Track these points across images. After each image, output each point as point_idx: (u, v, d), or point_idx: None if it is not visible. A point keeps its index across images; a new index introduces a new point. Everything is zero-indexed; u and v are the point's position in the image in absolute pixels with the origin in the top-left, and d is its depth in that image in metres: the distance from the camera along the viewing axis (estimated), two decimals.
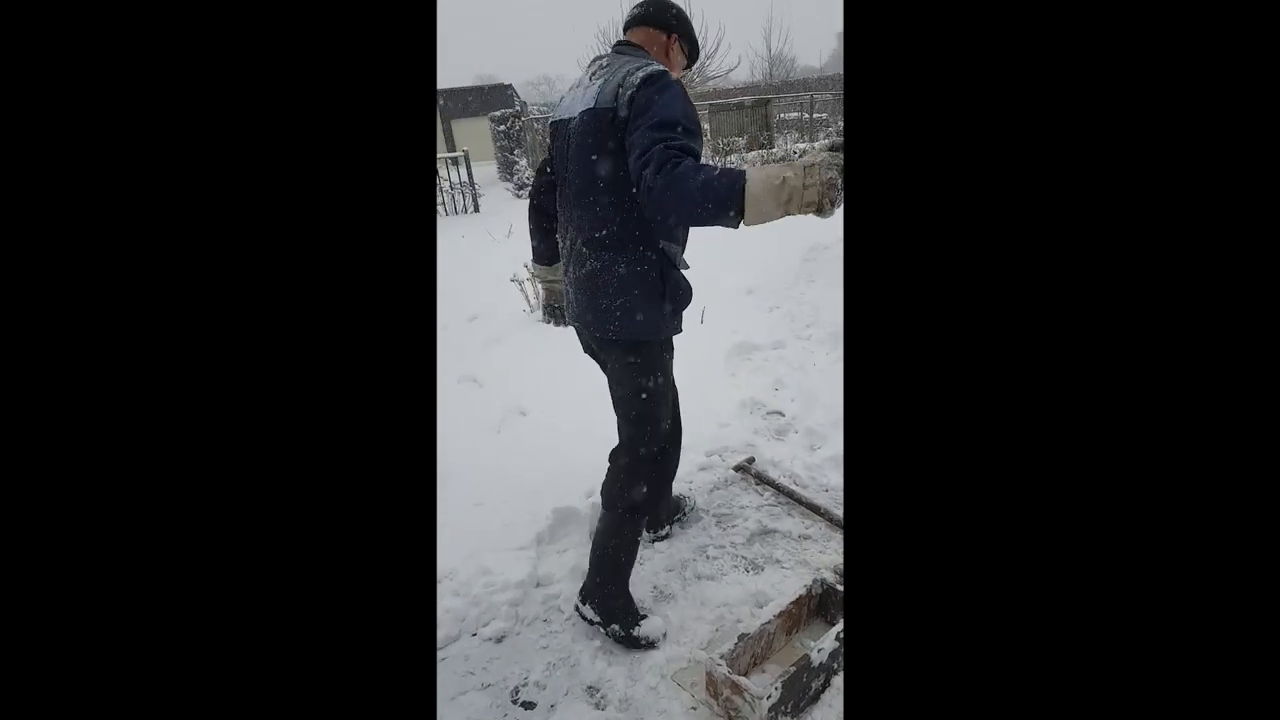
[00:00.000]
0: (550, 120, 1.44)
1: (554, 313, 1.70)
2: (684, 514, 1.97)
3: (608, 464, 1.53)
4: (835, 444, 2.23)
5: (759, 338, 3.19)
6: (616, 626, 1.51)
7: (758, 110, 11.46)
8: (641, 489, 1.46)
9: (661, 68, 1.21)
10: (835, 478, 2.10)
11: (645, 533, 1.90)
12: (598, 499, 2.03)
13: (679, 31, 1.41)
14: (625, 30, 1.42)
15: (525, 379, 2.94)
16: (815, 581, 1.57)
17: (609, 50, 1.40)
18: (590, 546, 1.55)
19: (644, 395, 1.40)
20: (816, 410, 2.45)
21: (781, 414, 2.55)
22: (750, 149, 9.40)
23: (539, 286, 1.76)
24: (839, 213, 0.99)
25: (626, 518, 1.48)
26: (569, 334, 3.75)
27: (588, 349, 1.57)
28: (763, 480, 2.11)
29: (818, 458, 2.19)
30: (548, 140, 1.48)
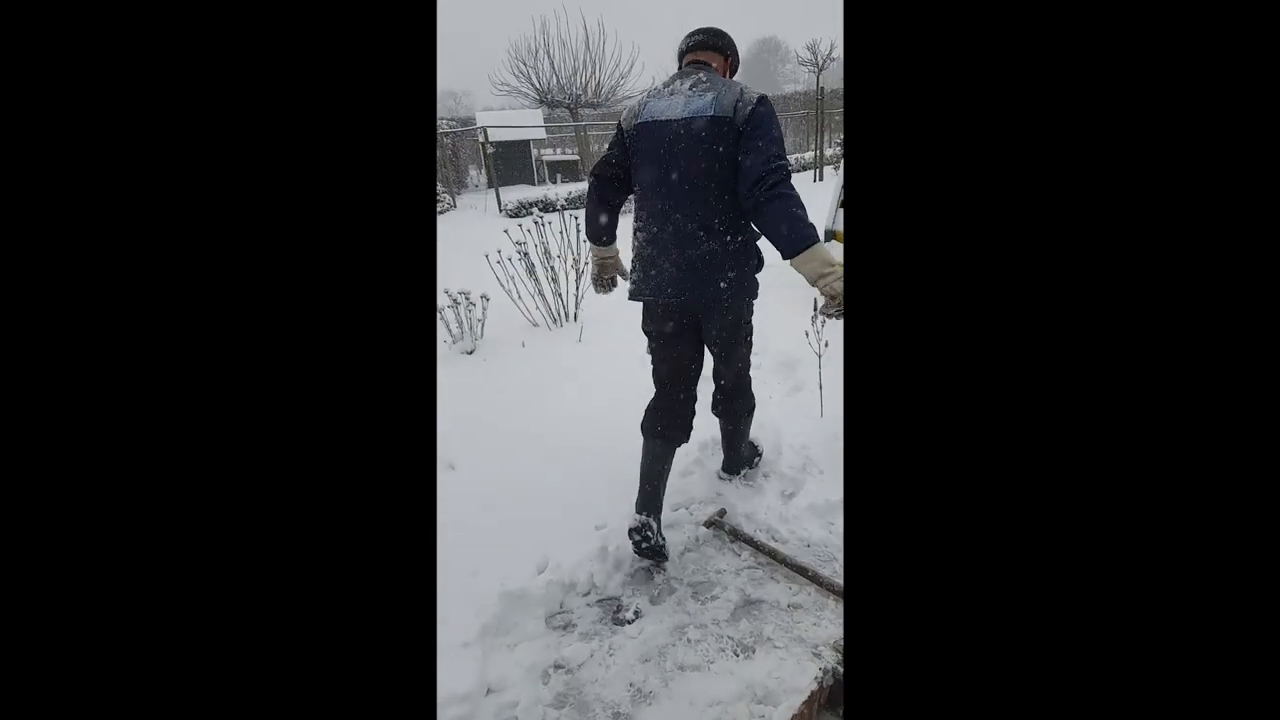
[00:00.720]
0: (637, 121, 1.62)
1: (606, 285, 1.91)
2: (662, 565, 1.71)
3: (719, 397, 1.95)
4: (810, 491, 2.03)
5: (705, 369, 2.98)
6: (758, 459, 2.17)
7: None
8: (751, 395, 1.97)
9: (763, 92, 1.54)
10: (815, 529, 1.90)
11: (616, 612, 1.62)
12: (554, 576, 1.74)
13: (731, 54, 1.74)
14: (691, 51, 1.69)
15: (450, 425, 2.59)
16: (825, 672, 1.34)
17: (685, 66, 1.69)
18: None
19: (750, 338, 1.80)
20: (784, 451, 2.26)
21: None
22: None
23: (590, 262, 2.04)
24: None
25: (749, 416, 2.00)
26: (499, 366, 3.43)
27: (670, 319, 1.73)
28: (738, 537, 1.88)
29: (793, 508, 1.98)
30: (629, 137, 1.66)
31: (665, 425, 1.82)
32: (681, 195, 1.55)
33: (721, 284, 1.59)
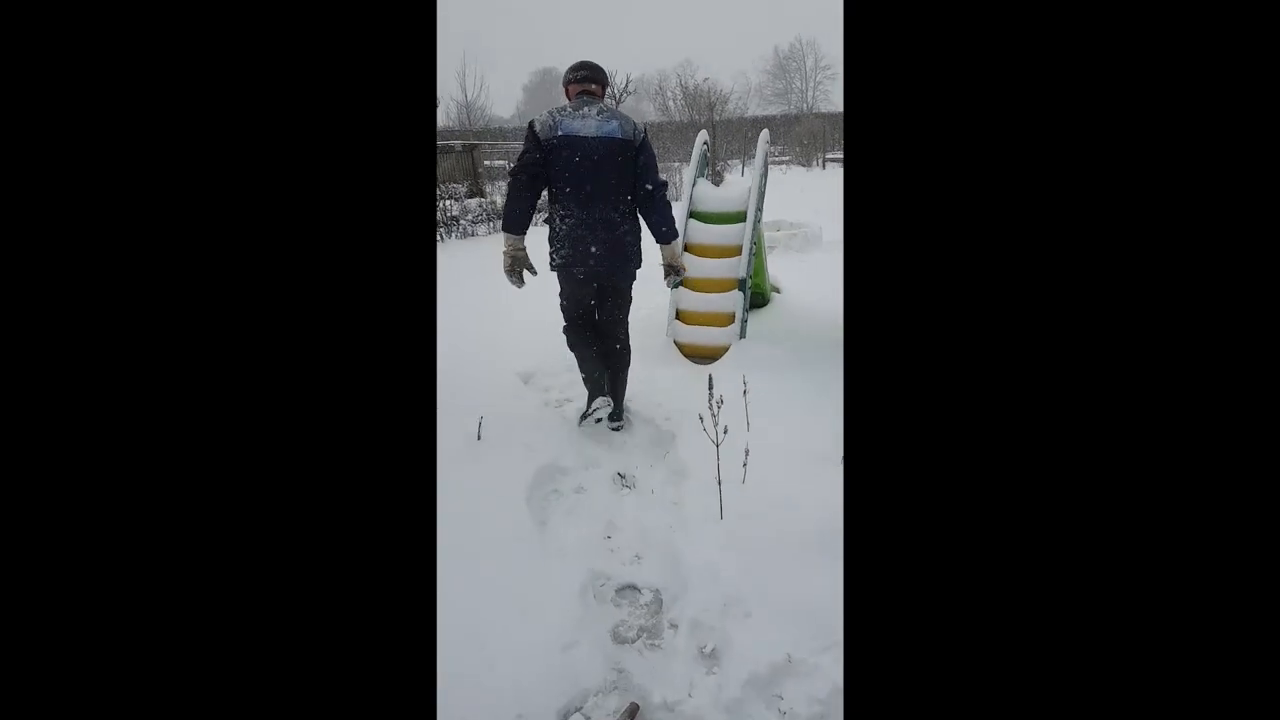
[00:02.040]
0: (558, 134, 2.17)
1: (519, 276, 2.34)
2: None
3: (614, 344, 2.50)
4: (740, 646, 1.49)
5: (566, 458, 2.34)
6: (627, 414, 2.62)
7: (466, 156, 10.65)
8: (629, 349, 2.56)
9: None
10: (765, 716, 1.36)
11: None
12: None
13: (606, 83, 2.43)
14: (580, 82, 2.32)
15: None
16: None
17: (578, 94, 2.31)
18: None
19: (631, 299, 2.51)
20: (689, 583, 1.71)
21: (637, 589, 1.75)
22: (470, 196, 8.49)
23: (506, 255, 2.30)
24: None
25: (627, 368, 2.56)
26: None
27: (591, 283, 2.36)
28: None
29: (727, 680, 1.42)
30: (548, 145, 2.18)
31: (579, 340, 2.45)
32: (603, 192, 2.19)
33: (629, 257, 2.31)
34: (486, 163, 13.47)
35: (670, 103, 21.28)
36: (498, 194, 10.02)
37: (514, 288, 2.34)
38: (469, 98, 21.96)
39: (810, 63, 44.73)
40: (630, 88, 10.04)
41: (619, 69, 10.30)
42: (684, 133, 15.57)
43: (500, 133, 22.15)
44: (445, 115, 22.20)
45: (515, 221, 2.26)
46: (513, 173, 2.23)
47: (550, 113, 2.23)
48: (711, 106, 15.25)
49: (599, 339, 2.46)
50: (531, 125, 2.21)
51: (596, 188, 2.18)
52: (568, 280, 2.36)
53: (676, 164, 13.78)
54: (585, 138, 2.15)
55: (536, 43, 58.14)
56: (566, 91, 2.35)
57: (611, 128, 2.18)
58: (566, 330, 2.47)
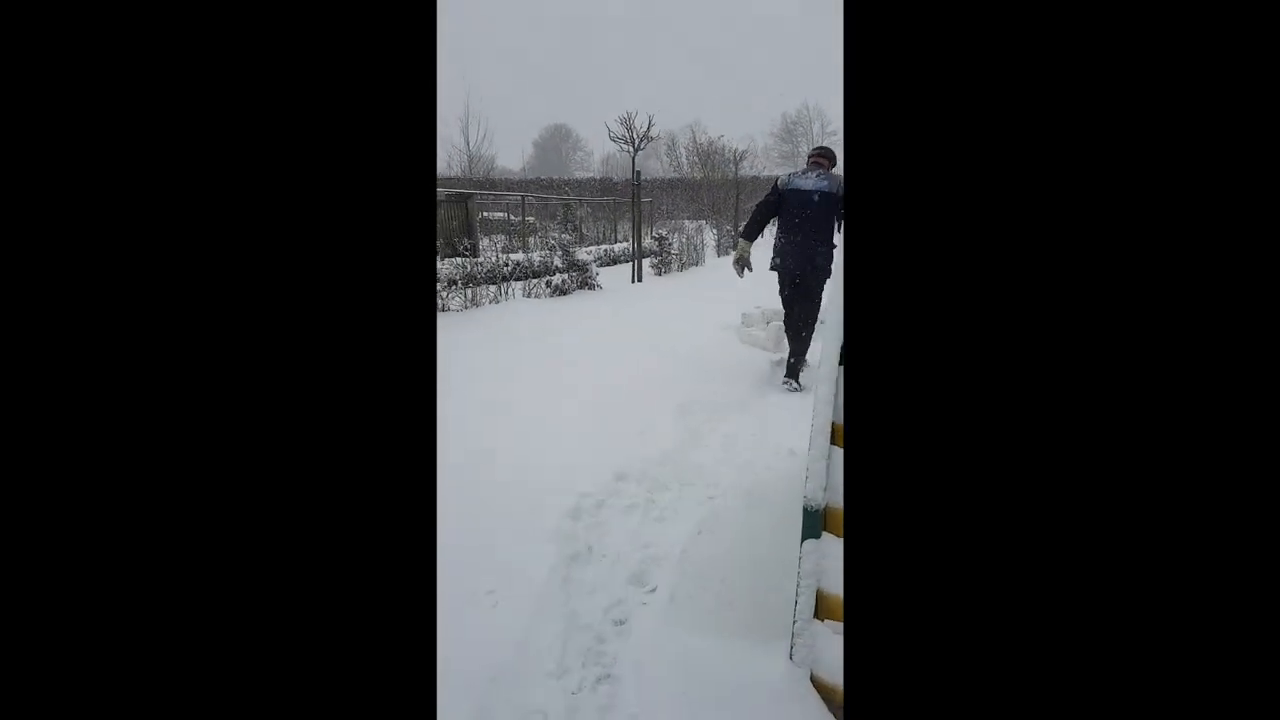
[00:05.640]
0: (789, 186, 3.76)
1: (743, 266, 3.96)
2: None
3: (795, 339, 3.86)
4: None
5: None
6: (807, 366, 3.86)
7: (456, 207, 9.18)
8: (811, 334, 3.85)
9: None
10: None
11: None
12: None
13: (832, 159, 3.87)
14: (815, 157, 3.87)
15: None
16: None
17: (811, 161, 3.90)
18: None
19: (819, 308, 3.79)
20: None
21: None
22: (453, 255, 6.84)
23: (738, 252, 3.93)
24: None
25: (808, 345, 3.85)
26: None
27: (792, 280, 3.77)
28: None
29: None
30: (781, 194, 3.80)
31: (785, 317, 3.92)
32: (807, 226, 3.67)
33: (816, 266, 3.67)
34: (484, 215, 12.10)
35: (684, 159, 20.34)
36: (494, 250, 8.27)
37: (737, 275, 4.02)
38: (471, 146, 20.95)
39: (816, 128, 44.87)
40: (653, 132, 8.73)
41: (637, 115, 9.06)
42: (696, 191, 14.43)
43: (505, 184, 20.94)
44: (446, 163, 21.17)
45: (750, 233, 3.95)
46: (758, 205, 3.91)
47: (789, 174, 3.85)
48: (735, 161, 14.05)
49: (793, 320, 3.82)
50: (776, 180, 3.88)
51: (804, 221, 3.68)
52: (779, 277, 3.83)
53: (687, 220, 12.58)
54: (805, 189, 3.70)
55: (547, 102, 59.02)
56: (808, 161, 3.90)
57: (824, 184, 3.66)
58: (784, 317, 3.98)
